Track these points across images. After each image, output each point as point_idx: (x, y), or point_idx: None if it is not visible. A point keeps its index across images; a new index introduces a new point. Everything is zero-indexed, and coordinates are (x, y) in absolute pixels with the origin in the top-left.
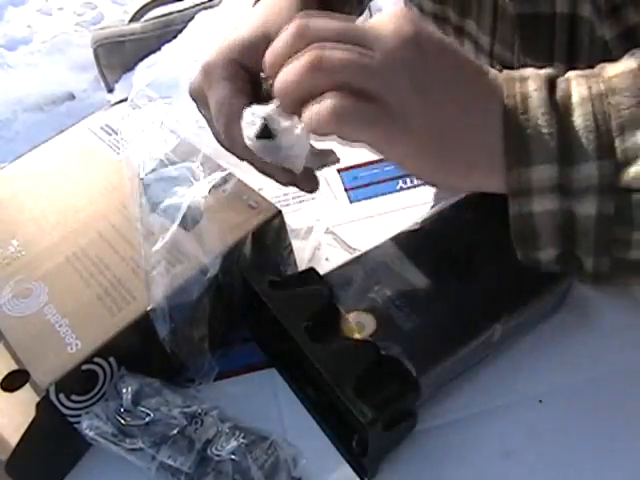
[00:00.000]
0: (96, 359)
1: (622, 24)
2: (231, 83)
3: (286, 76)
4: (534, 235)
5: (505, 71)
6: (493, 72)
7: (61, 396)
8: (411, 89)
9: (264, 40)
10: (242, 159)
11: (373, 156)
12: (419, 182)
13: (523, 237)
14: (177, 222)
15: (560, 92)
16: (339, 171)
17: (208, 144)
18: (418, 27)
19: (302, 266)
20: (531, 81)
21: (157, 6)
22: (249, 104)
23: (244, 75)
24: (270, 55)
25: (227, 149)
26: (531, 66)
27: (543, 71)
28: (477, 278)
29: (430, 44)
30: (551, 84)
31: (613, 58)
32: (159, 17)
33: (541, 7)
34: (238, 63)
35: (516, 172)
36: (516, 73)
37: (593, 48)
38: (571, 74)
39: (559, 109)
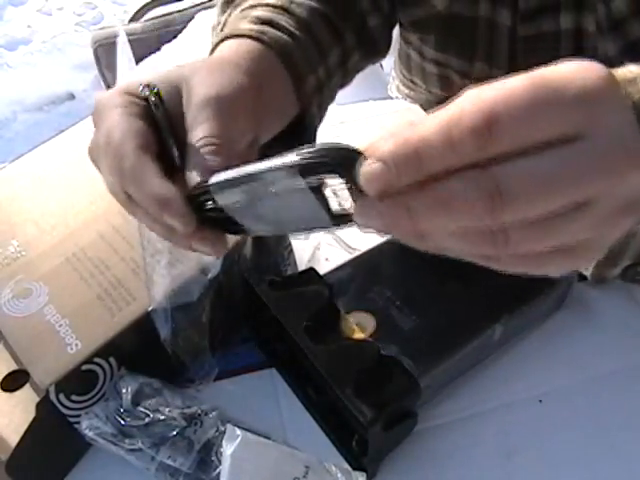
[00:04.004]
0: (96, 359)
1: (625, 39)
2: (125, 109)
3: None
4: (622, 252)
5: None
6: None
7: (61, 396)
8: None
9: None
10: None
11: None
12: None
13: (612, 256)
14: None
15: None
16: None
17: None
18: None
19: (302, 266)
20: None
21: (157, 6)
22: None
23: (139, 102)
24: (414, 146)
25: (123, 198)
26: None
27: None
28: (477, 278)
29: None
30: None
31: None
32: (159, 17)
33: (544, 26)
34: (133, 94)
35: None
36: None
37: None
38: None
39: None
